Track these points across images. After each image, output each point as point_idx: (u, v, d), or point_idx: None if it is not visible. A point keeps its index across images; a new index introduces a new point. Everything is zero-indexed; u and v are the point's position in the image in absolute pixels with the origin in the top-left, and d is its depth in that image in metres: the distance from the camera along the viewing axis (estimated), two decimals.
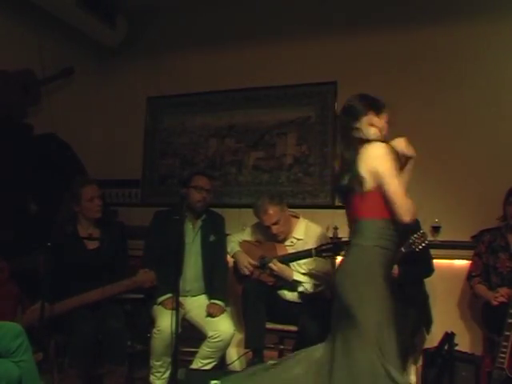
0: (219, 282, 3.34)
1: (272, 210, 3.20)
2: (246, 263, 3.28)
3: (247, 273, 3.27)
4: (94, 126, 4.59)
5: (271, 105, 4.18)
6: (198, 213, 3.40)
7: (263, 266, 3.25)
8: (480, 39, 3.62)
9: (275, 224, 3.21)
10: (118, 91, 4.66)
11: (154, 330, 3.09)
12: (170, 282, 3.11)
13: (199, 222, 3.40)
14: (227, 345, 3.12)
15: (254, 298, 3.15)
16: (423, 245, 2.82)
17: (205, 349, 3.06)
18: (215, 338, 3.03)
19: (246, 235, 3.48)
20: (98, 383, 2.86)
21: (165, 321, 2.94)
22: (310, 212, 3.68)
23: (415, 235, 2.83)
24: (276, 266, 3.15)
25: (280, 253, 3.23)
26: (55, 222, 3.13)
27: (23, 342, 2.27)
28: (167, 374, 3.08)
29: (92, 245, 3.10)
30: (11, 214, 3.47)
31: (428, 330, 3.25)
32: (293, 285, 3.20)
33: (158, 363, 3.10)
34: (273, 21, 4.19)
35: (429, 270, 3.17)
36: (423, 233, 2.87)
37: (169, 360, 2.99)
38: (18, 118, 3.86)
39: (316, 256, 3.06)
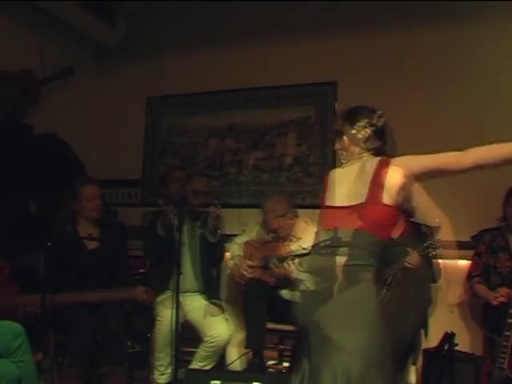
0: (214, 280, 3.41)
1: (270, 220, 3.27)
2: (245, 266, 3.28)
3: (248, 276, 3.27)
4: (93, 126, 4.59)
5: (271, 105, 4.17)
6: (195, 215, 3.42)
7: (266, 265, 3.25)
8: (480, 39, 3.62)
9: (282, 216, 3.24)
10: (117, 91, 4.66)
11: (157, 319, 3.12)
12: (168, 280, 3.14)
13: (186, 219, 3.40)
14: (223, 348, 3.16)
15: (255, 297, 3.15)
16: (437, 251, 2.84)
17: (201, 352, 3.08)
18: (211, 341, 3.05)
19: (247, 235, 3.48)
20: (98, 383, 2.86)
21: (167, 311, 2.97)
22: (310, 212, 3.66)
23: (430, 241, 2.85)
24: (277, 265, 3.15)
25: (282, 253, 3.23)
26: (55, 220, 3.13)
27: (23, 342, 2.27)
28: (169, 371, 3.09)
29: (92, 245, 3.10)
30: (11, 214, 3.48)
31: (426, 333, 3.25)
32: (294, 284, 3.19)
33: (161, 355, 3.11)
34: (273, 21, 4.19)
35: (435, 274, 3.17)
36: (439, 239, 2.89)
37: (171, 352, 3.00)
38: (18, 118, 3.86)
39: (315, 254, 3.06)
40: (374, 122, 2.10)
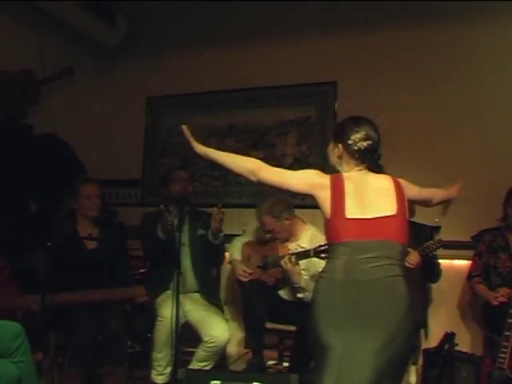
0: (214, 281, 3.42)
1: (265, 221, 3.26)
2: (241, 271, 3.27)
3: (245, 280, 3.27)
4: (93, 126, 4.59)
5: (271, 105, 4.17)
6: (196, 215, 3.44)
7: (265, 265, 3.25)
8: (479, 38, 3.62)
9: (268, 232, 3.28)
10: (118, 91, 4.66)
11: (158, 319, 3.11)
12: (168, 281, 3.16)
13: (187, 219, 3.41)
14: (222, 349, 3.15)
15: (254, 298, 3.15)
16: (437, 251, 2.85)
17: (200, 352, 3.07)
18: (210, 343, 3.04)
19: (246, 237, 3.49)
20: (98, 383, 2.86)
21: (168, 311, 2.96)
22: (310, 212, 3.65)
23: (431, 241, 2.86)
24: (289, 263, 3.07)
25: (282, 253, 3.23)
26: (55, 219, 3.14)
27: (23, 342, 2.26)
28: (168, 370, 3.09)
29: (91, 244, 3.10)
30: (11, 214, 3.48)
31: (426, 333, 3.25)
32: (294, 288, 3.19)
33: (160, 355, 3.10)
34: (273, 21, 4.19)
35: (435, 274, 3.17)
36: (440, 239, 2.89)
37: (170, 352, 3.00)
38: (18, 118, 3.86)
39: (314, 256, 3.06)
40: (372, 134, 2.07)
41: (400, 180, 2.11)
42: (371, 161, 2.09)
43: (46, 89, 4.04)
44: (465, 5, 3.63)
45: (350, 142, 2.07)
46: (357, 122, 2.11)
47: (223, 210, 3.17)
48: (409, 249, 2.88)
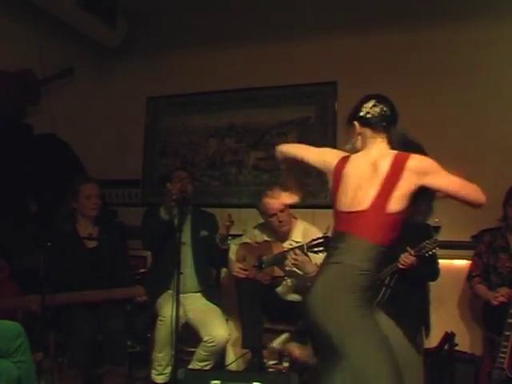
0: (214, 281, 3.46)
1: (271, 203, 3.19)
2: (237, 268, 3.29)
3: (241, 276, 3.27)
4: (93, 126, 4.59)
5: (271, 105, 4.17)
6: (199, 215, 3.44)
7: (261, 264, 3.25)
8: (480, 38, 3.62)
9: (282, 211, 3.18)
10: (117, 91, 4.66)
11: (160, 318, 3.12)
12: (169, 280, 3.14)
13: (189, 219, 3.41)
14: (223, 348, 3.16)
15: (249, 297, 3.15)
16: (434, 251, 2.85)
17: (200, 352, 3.07)
18: (210, 342, 3.04)
19: (242, 239, 3.49)
20: (98, 383, 2.86)
21: (169, 310, 2.97)
22: (310, 212, 3.67)
23: (427, 241, 2.86)
24: (298, 257, 3.01)
25: (276, 251, 3.23)
26: (55, 219, 3.14)
27: (23, 342, 2.27)
28: (168, 370, 3.09)
29: (91, 244, 3.11)
30: (11, 214, 3.47)
31: (427, 335, 3.25)
32: (303, 279, 3.17)
33: (161, 355, 3.11)
34: (273, 21, 4.19)
35: (433, 273, 3.16)
36: (436, 239, 2.89)
37: (170, 352, 3.00)
38: (18, 118, 3.86)
39: (308, 251, 3.04)
40: (383, 101, 2.06)
41: (416, 161, 1.90)
42: (390, 126, 2.03)
43: (45, 89, 4.04)
44: (466, 3, 3.63)
45: (361, 113, 2.05)
46: (365, 96, 2.10)
47: (223, 209, 3.17)
48: (408, 248, 2.88)
